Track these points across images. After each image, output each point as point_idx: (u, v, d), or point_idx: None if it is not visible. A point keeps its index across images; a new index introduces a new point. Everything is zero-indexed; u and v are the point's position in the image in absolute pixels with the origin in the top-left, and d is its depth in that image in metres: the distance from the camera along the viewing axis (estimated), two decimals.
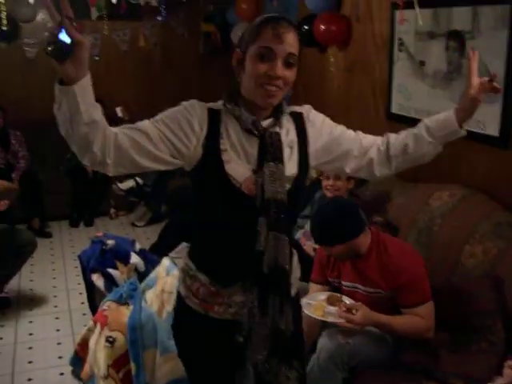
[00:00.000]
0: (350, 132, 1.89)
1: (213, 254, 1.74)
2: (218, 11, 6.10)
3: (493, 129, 2.90)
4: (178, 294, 1.85)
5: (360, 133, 1.91)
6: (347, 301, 2.51)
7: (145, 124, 1.59)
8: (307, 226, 3.53)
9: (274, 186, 1.62)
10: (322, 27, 4.22)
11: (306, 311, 2.43)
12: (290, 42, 1.59)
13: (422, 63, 3.45)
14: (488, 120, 2.90)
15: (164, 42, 6.43)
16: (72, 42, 1.35)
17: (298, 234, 3.53)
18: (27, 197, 5.51)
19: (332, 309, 2.49)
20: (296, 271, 1.88)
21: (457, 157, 3.10)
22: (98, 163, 1.51)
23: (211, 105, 1.70)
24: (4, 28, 4.34)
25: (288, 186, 1.68)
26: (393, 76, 3.76)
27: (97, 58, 6.12)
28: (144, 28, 6.24)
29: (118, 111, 5.87)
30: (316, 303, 2.54)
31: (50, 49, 1.36)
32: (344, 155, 1.84)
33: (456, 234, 2.73)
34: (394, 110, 3.77)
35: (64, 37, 1.35)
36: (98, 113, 1.46)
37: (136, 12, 5.90)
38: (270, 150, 1.64)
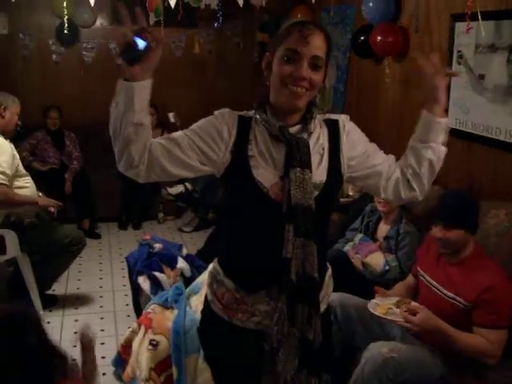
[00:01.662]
0: (381, 152, 1.86)
1: (240, 260, 1.74)
2: (273, 21, 6.11)
3: None
4: (205, 299, 1.86)
5: (382, 152, 1.88)
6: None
7: (177, 133, 1.68)
8: (356, 239, 3.48)
9: (300, 191, 1.61)
10: (379, 38, 4.16)
11: (371, 309, 2.54)
12: (317, 44, 1.61)
13: (482, 77, 3.35)
14: None
15: (219, 50, 6.46)
16: (146, 47, 1.49)
17: (347, 247, 3.48)
18: (79, 198, 5.62)
19: (397, 310, 2.50)
20: (328, 287, 1.85)
21: None
22: (132, 167, 1.60)
23: (243, 113, 1.74)
24: (65, 32, 4.45)
25: (316, 192, 1.67)
26: (450, 89, 3.66)
27: None
28: (199, 35, 6.29)
29: (171, 117, 5.92)
30: (382, 304, 2.59)
31: (124, 51, 1.50)
32: (377, 173, 1.81)
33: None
34: (451, 124, 3.62)
35: (139, 41, 1.48)
36: (147, 119, 1.58)
37: (192, 19, 5.96)
38: (296, 156, 1.64)
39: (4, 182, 3.62)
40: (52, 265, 4.09)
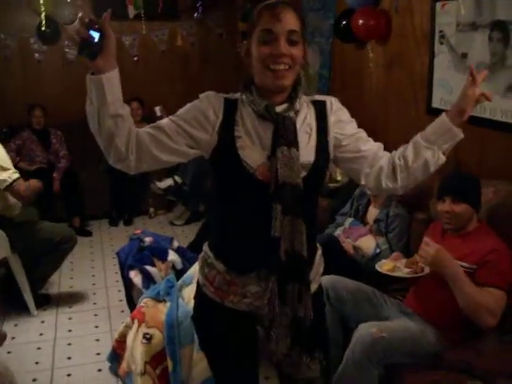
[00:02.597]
0: (370, 139, 1.85)
1: (229, 241, 1.75)
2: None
3: None
4: (197, 283, 1.87)
5: (371, 139, 1.86)
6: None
7: (163, 121, 1.69)
8: (346, 224, 3.48)
9: (287, 170, 1.61)
10: (361, 22, 4.14)
11: (377, 267, 2.70)
12: (289, 20, 1.60)
13: (464, 55, 3.35)
14: None
15: (202, 42, 6.44)
16: (100, 37, 1.50)
17: (338, 231, 3.48)
18: (68, 196, 5.60)
19: (404, 269, 2.63)
20: (318, 267, 1.87)
21: (502, 152, 3.01)
22: (122, 159, 1.61)
23: (229, 95, 1.74)
24: (43, 29, 4.41)
25: (305, 172, 1.67)
26: (433, 70, 3.66)
27: (135, 59, 6.17)
28: (182, 28, 6.27)
29: (157, 110, 5.90)
30: (389, 262, 2.74)
31: (81, 47, 1.50)
32: (363, 159, 1.80)
33: (501, 232, 2.63)
34: (435, 104, 3.67)
35: (93, 33, 1.49)
36: (124, 109, 1.58)
37: (173, 12, 5.93)
38: (283, 135, 1.64)
39: (9, 182, 3.60)
40: (44, 264, 4.07)
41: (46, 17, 4.63)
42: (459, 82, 3.39)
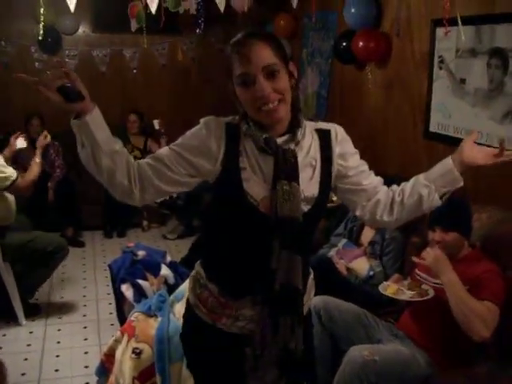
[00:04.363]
0: (371, 172, 1.84)
1: (225, 266, 1.72)
2: (256, 27, 6.12)
3: None
4: (187, 303, 1.84)
5: (372, 173, 1.85)
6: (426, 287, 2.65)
7: (163, 150, 1.67)
8: (340, 245, 3.48)
9: (287, 204, 1.58)
10: (361, 44, 4.17)
11: (381, 289, 2.70)
12: (261, 55, 1.54)
13: (463, 81, 3.38)
14: None
15: (202, 57, 6.47)
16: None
17: (332, 252, 3.48)
18: (62, 206, 5.57)
19: (408, 292, 2.63)
20: (310, 291, 1.85)
21: (496, 178, 3.02)
22: (126, 194, 1.61)
23: (230, 119, 1.69)
24: (41, 38, 4.42)
25: (308, 206, 1.65)
26: (432, 94, 3.69)
27: (135, 71, 6.19)
28: (182, 43, 6.31)
29: (156, 124, 5.91)
30: (392, 284, 2.74)
31: (67, 97, 1.50)
32: (362, 192, 1.79)
33: (495, 257, 2.63)
34: (433, 128, 3.69)
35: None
36: (117, 144, 1.58)
37: (175, 26, 5.96)
38: (283, 169, 1.60)
39: (15, 177, 3.74)
40: (35, 273, 4.06)
41: (47, 26, 4.64)
42: (457, 107, 3.42)
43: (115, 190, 1.60)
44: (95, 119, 1.53)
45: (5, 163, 3.76)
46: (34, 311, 4.14)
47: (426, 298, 2.59)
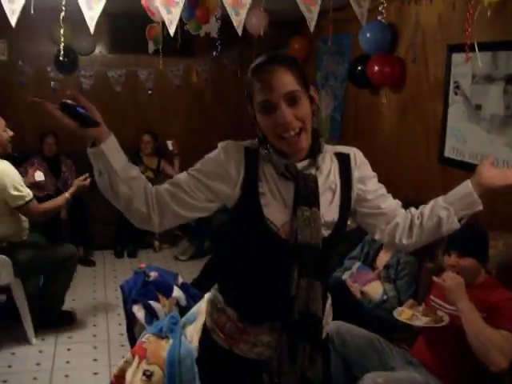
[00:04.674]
0: (390, 195, 1.83)
1: (243, 292, 1.70)
2: (270, 50, 6.16)
3: None
4: (204, 327, 1.83)
5: (391, 196, 1.85)
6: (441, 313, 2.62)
7: (181, 176, 1.64)
8: (354, 268, 3.45)
9: (308, 231, 1.57)
10: (376, 68, 4.19)
11: (395, 314, 2.68)
12: (283, 81, 1.53)
13: (478, 107, 3.37)
14: None
15: (216, 79, 6.51)
16: (84, 110, 1.51)
17: (345, 275, 3.45)
18: (74, 224, 5.58)
19: (422, 317, 2.61)
20: (328, 316, 1.83)
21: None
22: (145, 220, 1.59)
23: (249, 144, 1.68)
24: (61, 58, 4.47)
25: (329, 231, 1.64)
26: (447, 119, 3.68)
27: (150, 92, 6.24)
28: (197, 64, 6.36)
29: (169, 144, 5.93)
30: (407, 310, 2.71)
31: (83, 123, 1.49)
32: (381, 215, 1.78)
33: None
34: (448, 153, 3.68)
35: (79, 109, 1.50)
36: (134, 171, 1.56)
37: (190, 48, 6.01)
38: (303, 194, 1.59)
39: (30, 198, 3.73)
40: (56, 282, 4.11)
41: (65, 47, 4.69)
42: (473, 133, 3.41)
43: (133, 216, 1.59)
44: (111, 147, 1.51)
45: (23, 184, 3.77)
46: (69, 319, 4.24)
47: (440, 325, 2.56)
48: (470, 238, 2.60)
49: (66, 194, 4.04)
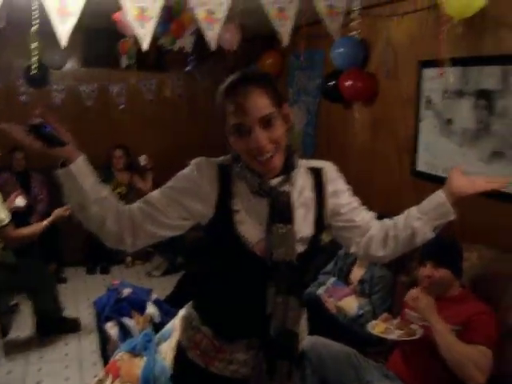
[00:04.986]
0: (364, 207, 1.83)
1: (219, 310, 1.69)
2: (243, 65, 6.18)
3: None
4: (179, 344, 1.80)
5: (365, 208, 1.84)
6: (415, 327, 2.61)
7: (154, 194, 1.61)
8: (329, 283, 3.46)
9: (283, 248, 1.57)
10: (348, 83, 4.22)
11: (369, 328, 2.68)
12: (257, 105, 1.49)
13: (450, 121, 3.42)
14: None
15: (189, 93, 6.50)
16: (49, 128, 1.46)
17: (320, 290, 3.45)
18: (45, 241, 5.48)
19: (397, 331, 2.60)
20: (304, 331, 1.82)
21: (485, 217, 3.04)
22: (117, 240, 1.56)
23: (222, 160, 1.66)
24: (34, 73, 4.41)
25: (304, 247, 1.63)
26: (419, 133, 3.73)
27: (121, 107, 6.20)
28: (170, 79, 6.34)
29: (142, 159, 5.89)
30: (380, 323, 2.71)
31: (50, 143, 1.46)
32: (356, 228, 1.78)
33: (486, 297, 2.62)
34: (420, 167, 3.72)
35: (46, 129, 1.45)
36: (105, 190, 1.53)
37: (163, 62, 6.00)
38: (278, 211, 1.58)
39: (6, 223, 3.68)
40: (38, 298, 4.17)
41: (37, 61, 4.64)
42: (444, 147, 3.45)
43: (106, 237, 1.56)
44: (80, 168, 1.48)
45: (3, 206, 3.72)
46: (73, 326, 4.32)
47: (413, 338, 2.56)
48: (445, 250, 2.63)
49: (45, 222, 3.99)
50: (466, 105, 3.25)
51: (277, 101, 1.55)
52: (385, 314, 2.85)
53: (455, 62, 3.13)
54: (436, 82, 3.45)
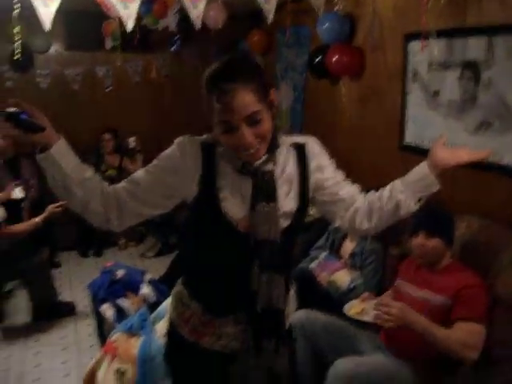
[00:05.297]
0: (348, 181, 1.84)
1: (206, 286, 1.71)
2: (230, 43, 6.15)
3: (510, 159, 2.87)
4: (170, 321, 1.83)
5: (349, 182, 1.85)
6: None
7: (138, 174, 1.64)
8: (321, 257, 3.49)
9: (267, 226, 1.58)
10: (335, 58, 4.22)
11: (345, 309, 2.63)
12: (244, 102, 1.48)
13: (436, 93, 3.43)
14: (505, 150, 2.87)
15: (175, 74, 6.47)
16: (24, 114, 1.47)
17: (313, 265, 3.48)
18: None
19: (372, 311, 2.52)
20: (291, 305, 1.84)
21: (473, 187, 3.07)
22: (103, 220, 1.59)
23: (205, 139, 1.66)
24: (17, 58, 4.37)
25: (287, 221, 1.65)
26: (406, 107, 3.74)
27: (108, 90, 6.16)
28: (156, 60, 6.30)
29: (131, 142, 5.89)
30: (358, 303, 2.66)
31: (27, 130, 1.47)
32: (340, 202, 1.79)
33: (475, 267, 2.66)
34: (408, 140, 3.74)
35: (23, 116, 1.47)
36: (87, 172, 1.56)
37: (149, 44, 5.96)
38: (262, 190, 1.60)
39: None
40: (32, 283, 4.22)
41: (20, 45, 4.59)
42: (431, 119, 3.47)
43: (92, 217, 1.59)
44: (60, 151, 1.50)
45: None
46: (70, 309, 4.37)
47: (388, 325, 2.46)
48: (438, 219, 2.66)
49: (37, 219, 4.04)
50: (452, 76, 3.26)
51: (263, 94, 1.53)
52: (365, 294, 2.83)
53: (440, 33, 3.14)
54: (422, 54, 3.45)
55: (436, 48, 3.01)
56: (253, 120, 1.50)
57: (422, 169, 1.75)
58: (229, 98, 1.47)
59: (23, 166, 5.66)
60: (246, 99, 1.48)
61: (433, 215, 2.65)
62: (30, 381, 3.47)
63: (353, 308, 2.66)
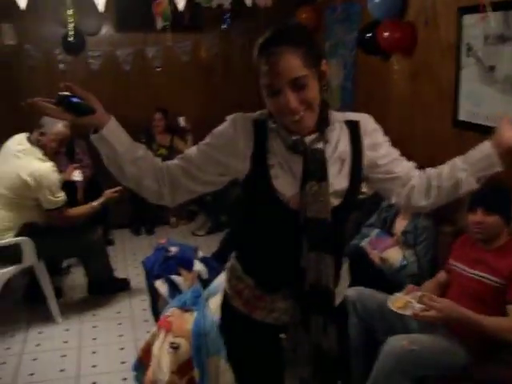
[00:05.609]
0: (403, 158, 1.81)
1: (258, 261, 1.73)
2: (278, 21, 6.11)
3: None
4: (224, 294, 1.86)
5: (405, 159, 1.82)
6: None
7: (191, 150, 1.67)
8: (373, 235, 3.47)
9: (316, 205, 1.58)
10: (386, 34, 4.14)
11: (389, 303, 2.58)
12: (289, 66, 1.48)
13: (492, 68, 3.34)
14: None
15: (224, 53, 6.48)
16: (76, 98, 1.51)
17: (363, 243, 3.47)
18: None
19: (418, 306, 2.48)
20: (344, 282, 1.83)
21: None
22: (157, 196, 1.64)
23: (257, 115, 1.67)
24: (71, 40, 4.45)
25: (339, 199, 1.64)
26: (460, 82, 3.65)
27: (158, 69, 6.22)
28: (205, 39, 6.32)
29: (181, 121, 5.95)
30: (400, 297, 2.62)
31: (79, 112, 1.51)
32: (396, 179, 1.77)
33: None
34: (462, 117, 3.65)
35: (73, 99, 1.51)
36: (140, 150, 1.60)
37: (198, 23, 5.98)
38: (312, 169, 1.59)
39: (61, 205, 3.83)
40: (90, 262, 4.35)
41: (73, 28, 4.68)
42: (487, 95, 3.38)
43: (146, 194, 1.64)
44: (112, 131, 1.55)
45: (59, 190, 3.84)
46: (124, 285, 4.52)
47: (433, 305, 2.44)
48: (497, 196, 2.61)
49: (95, 203, 4.13)
50: (509, 50, 3.16)
51: (312, 61, 1.52)
52: (409, 286, 2.80)
53: (496, 6, 3.04)
54: (477, 28, 3.36)
55: (492, 21, 2.92)
56: (298, 85, 1.50)
57: (484, 148, 1.71)
58: (274, 60, 1.48)
59: (77, 146, 5.80)
60: (292, 62, 1.48)
61: (492, 192, 2.59)
62: (88, 353, 3.59)
63: (397, 302, 2.62)
